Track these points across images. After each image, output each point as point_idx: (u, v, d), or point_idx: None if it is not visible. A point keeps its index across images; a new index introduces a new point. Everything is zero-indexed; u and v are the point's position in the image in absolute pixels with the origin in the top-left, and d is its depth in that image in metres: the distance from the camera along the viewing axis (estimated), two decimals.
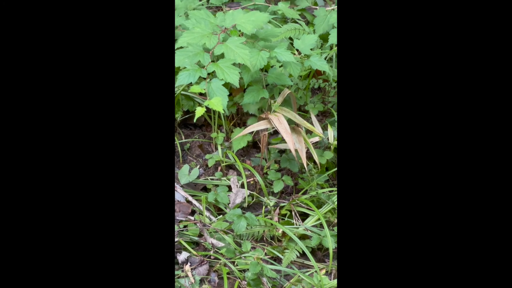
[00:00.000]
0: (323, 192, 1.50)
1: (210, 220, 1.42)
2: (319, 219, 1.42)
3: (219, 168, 1.62)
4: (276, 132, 1.57)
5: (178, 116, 1.65)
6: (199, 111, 1.33)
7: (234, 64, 1.39)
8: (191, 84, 1.37)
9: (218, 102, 1.33)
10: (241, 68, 1.47)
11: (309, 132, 1.67)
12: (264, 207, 1.48)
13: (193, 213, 1.47)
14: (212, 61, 1.38)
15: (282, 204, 1.50)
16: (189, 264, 1.30)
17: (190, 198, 1.48)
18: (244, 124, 1.67)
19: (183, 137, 1.68)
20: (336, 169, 1.59)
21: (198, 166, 1.64)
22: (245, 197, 1.49)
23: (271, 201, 1.48)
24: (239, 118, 1.73)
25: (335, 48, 1.73)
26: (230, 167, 1.64)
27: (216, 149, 1.67)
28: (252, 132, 1.58)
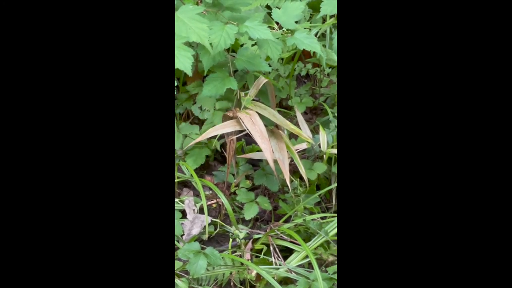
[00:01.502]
0: (312, 220, 1.53)
1: None
2: (307, 256, 1.45)
3: None
4: (248, 136, 1.60)
5: None
6: None
7: (187, 43, 1.43)
8: None
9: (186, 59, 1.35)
10: (198, 49, 1.54)
11: (293, 136, 1.73)
12: (231, 240, 1.52)
13: None
14: None
15: (256, 236, 1.54)
16: None
17: None
18: (203, 122, 1.70)
19: None
20: (330, 187, 1.64)
21: None
22: (204, 227, 1.53)
23: (241, 232, 1.51)
24: (196, 117, 1.76)
25: (330, 21, 1.77)
26: (184, 184, 1.67)
27: None
28: (215, 137, 1.60)
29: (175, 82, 1.39)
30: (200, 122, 1.76)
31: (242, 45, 1.68)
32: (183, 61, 1.40)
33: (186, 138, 1.68)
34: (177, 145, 1.66)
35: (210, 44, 1.46)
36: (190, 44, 1.47)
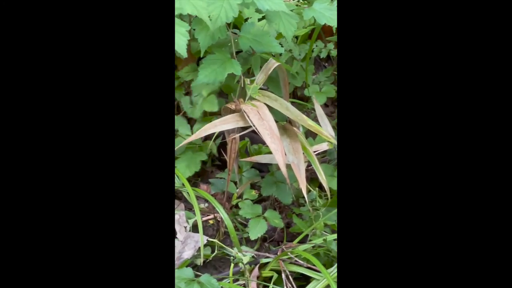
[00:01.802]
0: (335, 240, 1.50)
1: None
2: (328, 286, 1.42)
3: None
4: (254, 134, 1.57)
5: None
6: None
7: (180, 16, 1.40)
8: None
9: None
10: (193, 24, 1.47)
11: (311, 134, 1.70)
12: (232, 265, 1.48)
13: None
14: None
15: (264, 260, 1.50)
16: None
17: None
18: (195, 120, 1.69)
19: None
20: None
21: None
22: (199, 248, 1.49)
23: (244, 255, 1.49)
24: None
25: None
26: (174, 195, 1.67)
27: None
28: (212, 136, 1.60)
29: None
30: (193, 118, 1.74)
31: (246, 20, 1.63)
32: (176, 38, 1.33)
33: (176, 136, 1.64)
34: None
35: (209, 17, 1.41)
36: (182, 18, 1.43)
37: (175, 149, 1.56)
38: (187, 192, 1.58)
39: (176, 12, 1.38)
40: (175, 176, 1.62)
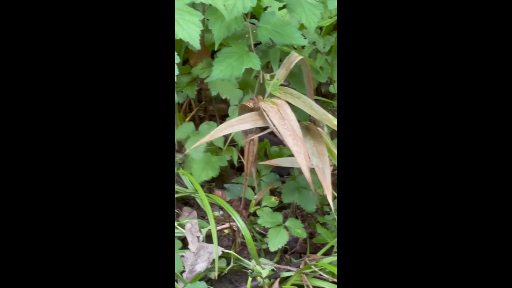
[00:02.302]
0: None
1: None
2: None
3: None
4: (274, 136, 1.56)
5: None
6: None
7: (193, 5, 1.37)
8: None
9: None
10: (207, 14, 1.43)
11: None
12: (250, 279, 1.45)
13: None
14: None
15: (285, 274, 1.47)
16: None
17: None
18: (211, 119, 1.64)
19: None
20: None
21: None
22: (213, 261, 1.46)
23: (263, 269, 1.45)
24: (202, 107, 1.71)
25: None
26: (186, 201, 1.64)
27: None
28: (228, 136, 1.56)
29: (177, 58, 1.32)
30: (208, 115, 1.73)
31: (265, 9, 1.58)
32: (187, 29, 1.31)
33: (189, 137, 1.60)
34: (180, 136, 1.60)
35: (224, 6, 1.38)
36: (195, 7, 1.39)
37: (189, 150, 1.54)
38: (200, 199, 1.55)
39: (188, 1, 1.35)
40: (187, 179, 1.61)
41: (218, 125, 1.55)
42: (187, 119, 1.67)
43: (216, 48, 1.45)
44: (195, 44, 1.30)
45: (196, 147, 1.54)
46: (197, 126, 1.62)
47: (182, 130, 1.59)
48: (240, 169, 1.70)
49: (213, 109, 1.69)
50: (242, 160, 1.56)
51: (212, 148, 1.61)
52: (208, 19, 1.44)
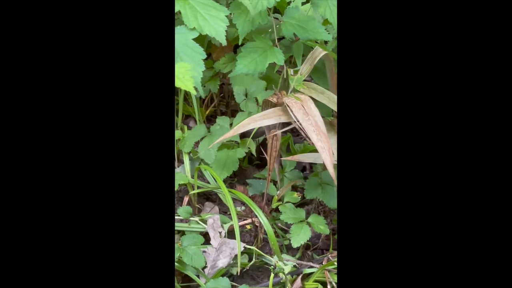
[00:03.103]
0: None
1: None
2: None
3: (186, 199, 1.59)
4: (297, 131, 1.54)
5: None
6: None
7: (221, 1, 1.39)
8: None
9: (186, 74, 1.25)
10: (230, 8, 1.43)
11: None
12: (272, 275, 1.44)
13: None
14: None
15: (307, 271, 1.47)
16: None
17: None
18: (234, 115, 1.63)
19: None
20: None
21: None
22: (235, 256, 1.46)
23: (286, 265, 1.45)
24: (224, 102, 1.71)
25: None
26: (207, 197, 1.65)
27: (180, 161, 1.64)
28: (251, 131, 1.55)
29: (203, 52, 1.33)
30: (230, 110, 1.72)
31: (289, 3, 1.57)
32: (214, 24, 1.31)
33: (209, 133, 1.60)
34: (192, 140, 1.60)
35: (249, 1, 1.39)
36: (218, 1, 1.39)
37: (209, 147, 1.53)
38: (222, 194, 1.55)
39: None
40: (209, 175, 1.60)
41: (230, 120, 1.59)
42: (207, 112, 1.67)
43: (240, 42, 1.44)
44: (221, 39, 1.29)
45: (207, 150, 1.55)
46: None
47: (194, 133, 1.58)
48: (262, 165, 1.69)
49: (235, 104, 1.67)
50: (265, 155, 1.56)
51: (228, 143, 1.61)
52: (231, 14, 1.42)
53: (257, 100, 1.54)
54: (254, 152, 1.58)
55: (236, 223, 1.44)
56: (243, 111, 1.56)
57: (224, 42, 1.31)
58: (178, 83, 1.23)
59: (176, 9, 1.31)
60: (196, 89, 1.26)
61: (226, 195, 1.47)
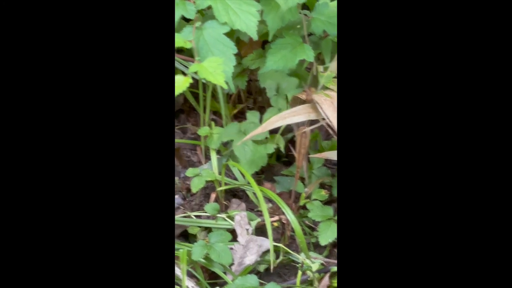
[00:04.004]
0: None
1: None
2: None
3: (213, 195, 1.59)
4: (325, 128, 1.54)
5: None
6: (180, 85, 1.26)
7: None
8: None
9: (217, 68, 1.27)
10: (261, 4, 1.43)
11: None
12: (300, 273, 1.45)
13: None
14: None
15: (335, 269, 1.47)
16: None
17: None
18: (262, 112, 1.63)
19: None
20: None
21: None
22: (262, 253, 1.47)
23: (313, 263, 1.45)
24: (252, 99, 1.72)
25: None
26: (234, 194, 1.65)
27: (207, 158, 1.64)
28: (279, 128, 1.55)
29: (234, 47, 1.34)
30: (257, 106, 1.71)
31: (318, 0, 1.57)
32: (245, 19, 1.33)
33: (239, 132, 1.59)
34: (225, 138, 1.59)
35: None
36: None
37: (243, 141, 1.53)
38: (250, 191, 1.55)
39: None
40: (237, 171, 1.61)
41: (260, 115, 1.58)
42: (236, 110, 1.67)
43: (270, 39, 1.44)
44: (253, 34, 1.31)
45: (241, 146, 1.55)
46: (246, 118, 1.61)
47: (228, 131, 1.58)
48: (290, 161, 1.68)
49: (262, 100, 1.68)
50: (293, 152, 1.56)
51: (257, 138, 1.59)
52: (263, 9, 1.44)
53: (287, 97, 1.54)
54: (283, 149, 1.58)
55: (268, 220, 1.44)
56: (272, 106, 1.55)
57: (255, 37, 1.32)
58: (209, 77, 1.25)
59: (207, 3, 1.33)
60: (227, 84, 1.28)
61: (256, 191, 1.47)
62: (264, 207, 1.46)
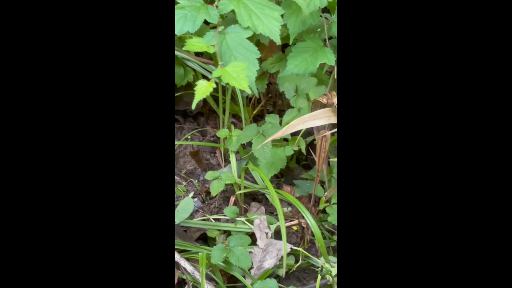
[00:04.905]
0: None
1: None
2: None
3: (233, 199, 1.60)
4: None
5: None
6: (202, 90, 1.27)
7: None
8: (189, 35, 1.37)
9: (241, 73, 1.28)
10: (282, 8, 1.43)
11: None
12: (319, 277, 1.44)
13: (181, 285, 1.45)
14: None
15: None
16: None
17: (177, 257, 1.45)
18: (281, 114, 1.63)
19: None
20: None
21: (191, 194, 1.62)
22: (281, 257, 1.47)
23: (333, 267, 1.44)
24: (271, 102, 1.73)
25: None
26: (254, 197, 1.66)
27: (227, 161, 1.65)
28: (299, 132, 1.56)
29: (257, 52, 1.35)
30: (277, 109, 1.72)
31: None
32: (268, 23, 1.33)
33: (258, 134, 1.59)
34: (244, 140, 1.59)
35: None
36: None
37: (262, 145, 1.53)
38: (270, 194, 1.56)
39: None
40: (256, 174, 1.61)
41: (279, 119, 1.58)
42: (254, 112, 1.68)
43: (291, 42, 1.45)
44: (276, 39, 1.31)
45: (261, 148, 1.54)
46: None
47: (246, 133, 1.57)
48: (310, 165, 1.69)
49: (282, 104, 1.68)
50: (313, 156, 1.56)
51: (275, 142, 1.60)
52: (284, 14, 1.43)
53: (307, 96, 1.54)
54: (304, 151, 1.57)
55: (283, 224, 1.44)
56: (293, 107, 1.55)
57: (278, 42, 1.32)
58: (232, 82, 1.25)
59: (230, 8, 1.33)
60: (250, 88, 1.29)
61: (273, 195, 1.47)
62: (280, 211, 1.46)
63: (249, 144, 1.58)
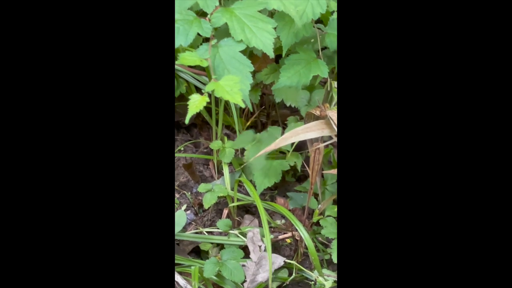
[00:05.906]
0: None
1: None
2: None
3: (226, 211, 1.60)
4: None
5: None
6: (196, 104, 1.27)
7: (263, 11, 1.39)
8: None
9: (234, 87, 1.28)
10: (275, 18, 1.44)
11: None
12: None
13: None
14: (222, 6, 1.38)
15: None
16: None
17: None
18: (274, 124, 1.66)
19: None
20: None
21: (184, 206, 1.62)
22: (275, 270, 1.48)
23: (326, 280, 1.46)
24: (264, 113, 1.73)
25: None
26: (247, 209, 1.66)
27: (220, 173, 1.65)
28: (292, 145, 1.57)
29: (250, 65, 1.36)
30: (270, 120, 1.73)
31: (332, 14, 1.59)
32: (261, 36, 1.34)
33: (254, 141, 1.61)
34: (239, 145, 1.62)
35: (295, 13, 1.40)
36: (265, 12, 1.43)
37: (255, 157, 1.53)
38: (262, 208, 1.53)
39: (260, 7, 1.36)
40: (248, 187, 1.59)
41: (282, 131, 1.58)
42: (248, 123, 1.68)
43: (283, 54, 1.45)
44: (269, 52, 1.31)
45: (255, 158, 1.54)
46: (259, 131, 1.61)
47: (242, 138, 1.59)
48: (303, 177, 1.69)
49: (275, 115, 1.68)
50: (306, 168, 1.56)
51: (272, 154, 1.60)
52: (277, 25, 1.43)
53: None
54: (299, 168, 1.58)
55: (268, 239, 1.44)
56: (285, 123, 1.56)
57: (271, 55, 1.32)
58: (226, 96, 1.25)
59: (223, 21, 1.33)
60: (244, 102, 1.30)
61: (260, 210, 1.46)
62: (265, 225, 1.46)
63: (243, 152, 1.58)
